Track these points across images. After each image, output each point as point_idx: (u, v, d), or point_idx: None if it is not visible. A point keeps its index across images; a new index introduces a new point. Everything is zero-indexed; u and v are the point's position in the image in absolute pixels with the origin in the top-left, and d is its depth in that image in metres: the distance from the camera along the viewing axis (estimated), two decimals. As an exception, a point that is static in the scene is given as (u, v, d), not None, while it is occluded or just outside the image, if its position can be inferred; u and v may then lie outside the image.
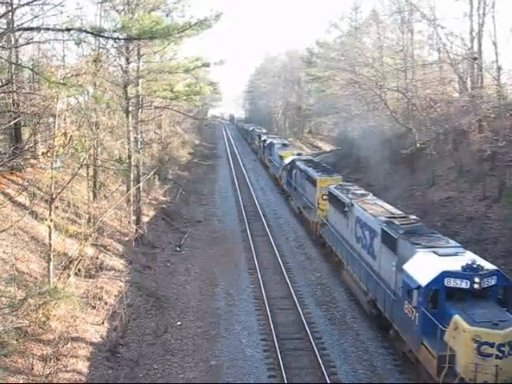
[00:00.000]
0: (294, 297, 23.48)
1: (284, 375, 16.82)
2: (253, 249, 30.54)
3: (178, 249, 30.45)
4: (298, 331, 20.48)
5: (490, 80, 35.19)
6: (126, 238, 27.58)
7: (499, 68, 31.71)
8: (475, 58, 35.09)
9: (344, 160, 58.61)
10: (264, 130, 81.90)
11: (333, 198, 27.33)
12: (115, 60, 28.36)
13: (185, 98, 30.42)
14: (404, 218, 20.90)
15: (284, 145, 55.91)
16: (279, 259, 28.67)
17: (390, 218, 20.54)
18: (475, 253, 17.20)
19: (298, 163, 39.47)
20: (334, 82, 55.51)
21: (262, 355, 18.60)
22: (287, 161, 44.03)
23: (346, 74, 47.79)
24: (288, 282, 25.35)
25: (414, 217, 21.49)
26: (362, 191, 26.33)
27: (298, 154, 46.52)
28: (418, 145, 37.00)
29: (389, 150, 44.38)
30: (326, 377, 16.70)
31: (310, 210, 33.98)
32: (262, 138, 67.90)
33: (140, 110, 30.76)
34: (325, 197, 30.18)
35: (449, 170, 37.82)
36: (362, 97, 46.46)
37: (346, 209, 24.18)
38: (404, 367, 17.48)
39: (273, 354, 18.53)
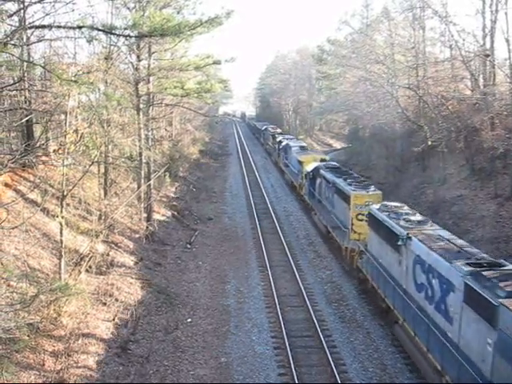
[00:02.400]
0: (305, 294, 23.46)
1: (294, 373, 16.82)
2: (263, 246, 30.53)
3: (189, 246, 30.49)
4: (308, 329, 20.46)
5: (502, 77, 34.98)
6: (137, 235, 27.68)
7: (512, 65, 31.49)
8: (487, 55, 34.84)
9: (355, 157, 58.49)
10: (279, 130, 77.01)
11: (375, 223, 21.41)
12: (126, 57, 28.41)
13: (195, 95, 30.43)
14: (496, 265, 14.11)
15: (302, 147, 50.29)
16: (290, 257, 28.64)
17: (474, 264, 13.99)
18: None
19: (323, 172, 33.30)
20: (344, 79, 55.44)
21: (272, 352, 18.61)
22: (309, 168, 37.95)
23: (356, 71, 47.72)
24: (298, 279, 25.34)
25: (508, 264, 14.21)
26: (418, 216, 19.91)
27: (322, 160, 39.76)
28: (430, 142, 36.85)
29: (400, 147, 44.27)
30: (336, 375, 16.68)
31: (340, 233, 27.69)
32: (277, 139, 62.15)
33: (151, 108, 30.81)
34: (360, 216, 25.22)
35: (460, 168, 37.60)
36: (372, 94, 46.24)
37: (398, 242, 17.92)
38: (414, 366, 17.44)
39: (283, 352, 18.52)
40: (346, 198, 27.07)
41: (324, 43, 74.80)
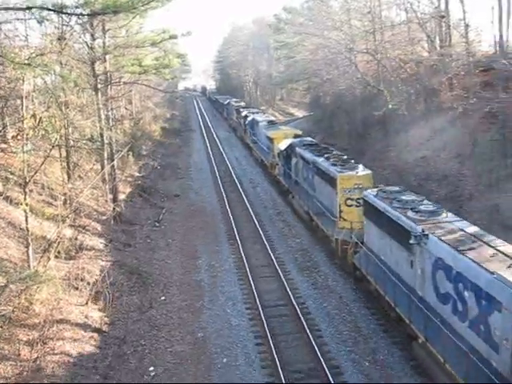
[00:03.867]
0: (276, 264, 23.68)
1: (271, 342, 17.05)
2: (232, 219, 30.61)
3: (157, 224, 30.37)
4: (281, 298, 20.69)
5: (458, 38, 35.33)
6: (104, 217, 27.42)
7: (467, 25, 31.83)
8: (443, 17, 35.12)
9: (317, 125, 58.55)
10: (243, 103, 73.95)
11: (374, 212, 18.22)
12: (80, 37, 27.76)
13: (154, 71, 30.11)
14: None
15: (271, 122, 46.03)
16: (259, 228, 28.79)
17: None
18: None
19: (299, 150, 29.78)
20: (303, 47, 55.21)
21: (247, 324, 18.80)
22: (282, 145, 34.26)
23: (314, 38, 47.57)
24: (269, 249, 25.53)
25: None
26: (427, 204, 16.54)
27: (296, 136, 35.91)
28: (390, 106, 37.12)
29: (361, 112, 44.51)
30: (312, 340, 16.97)
31: (327, 221, 24.33)
32: (242, 114, 57.84)
33: (109, 87, 30.33)
34: (350, 201, 22.30)
35: (421, 130, 38.02)
36: (331, 61, 46.27)
37: (410, 240, 14.44)
38: (387, 326, 17.85)
39: (258, 322, 18.73)
40: (330, 180, 23.62)
41: (280, 12, 74.19)
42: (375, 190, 19.26)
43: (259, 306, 19.72)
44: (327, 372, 15.24)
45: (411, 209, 15.90)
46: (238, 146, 59.28)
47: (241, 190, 37.68)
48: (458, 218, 15.57)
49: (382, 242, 17.61)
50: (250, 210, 32.40)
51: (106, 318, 18.32)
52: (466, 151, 30.56)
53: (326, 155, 26.32)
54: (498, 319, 10.92)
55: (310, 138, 34.96)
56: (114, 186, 29.56)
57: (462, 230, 14.26)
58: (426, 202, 16.92)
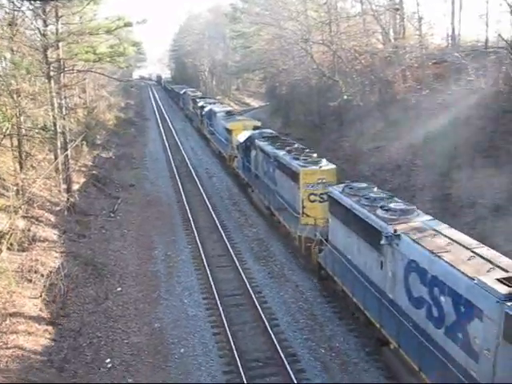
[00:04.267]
0: (232, 254, 23.76)
1: (228, 331, 17.13)
2: (188, 209, 30.50)
3: (112, 215, 30.00)
4: (238, 287, 20.80)
5: (412, 30, 35.90)
6: (58, 208, 26.92)
7: (420, 18, 32.37)
8: (397, 9, 35.62)
9: (273, 115, 58.78)
10: (199, 93, 72.32)
11: (340, 210, 17.43)
12: (32, 23, 27.08)
13: (108, 59, 29.60)
14: None
15: (229, 113, 44.26)
16: (215, 218, 28.78)
17: (509, 282, 10.20)
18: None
19: (259, 143, 28.85)
20: (259, 37, 55.21)
21: (204, 314, 18.82)
22: (241, 137, 33.08)
23: (271, 28, 47.65)
24: (225, 239, 25.57)
25: None
26: (398, 202, 15.71)
27: (256, 128, 35.10)
28: (346, 96, 37.50)
29: (317, 103, 44.85)
30: (269, 328, 17.13)
31: (289, 217, 23.64)
32: (199, 104, 56.10)
33: (62, 75, 29.67)
34: (313, 197, 21.86)
35: (376, 121, 38.59)
36: (287, 51, 46.49)
37: (381, 240, 13.85)
38: (343, 314, 18.15)
39: (215, 312, 18.78)
40: (293, 175, 22.95)
41: (237, 1, 73.74)
42: (341, 185, 18.49)
43: (216, 295, 19.76)
44: (284, 360, 15.42)
45: (381, 207, 15.16)
46: (194, 136, 58.97)
47: (197, 180, 37.58)
48: (430, 218, 14.81)
49: (349, 240, 16.85)
50: (207, 200, 32.35)
51: (60, 311, 18.04)
52: (418, 142, 31.19)
53: (287, 148, 25.66)
54: (479, 328, 10.32)
55: (269, 130, 33.97)
56: (68, 176, 29.02)
57: (436, 230, 13.57)
58: (395, 199, 16.16)
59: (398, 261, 13.54)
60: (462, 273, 11.04)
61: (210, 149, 49.59)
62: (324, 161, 23.03)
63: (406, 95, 32.13)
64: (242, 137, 32.95)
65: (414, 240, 13.06)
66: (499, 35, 24.99)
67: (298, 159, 23.26)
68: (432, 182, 26.72)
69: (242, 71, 75.13)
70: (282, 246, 24.82)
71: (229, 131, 38.05)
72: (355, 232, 16.25)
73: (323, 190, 21.22)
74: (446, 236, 13.06)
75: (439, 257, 11.92)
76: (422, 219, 14.52)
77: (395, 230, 13.59)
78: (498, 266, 11.09)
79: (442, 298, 11.62)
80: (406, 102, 32.32)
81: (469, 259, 11.63)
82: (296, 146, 26.93)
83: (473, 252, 11.91)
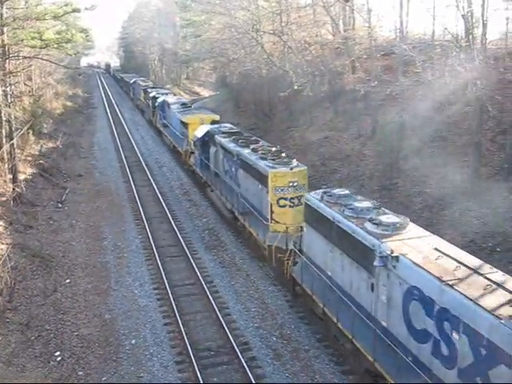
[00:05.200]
0: (183, 243, 23.66)
1: (179, 321, 17.09)
2: (138, 199, 30.19)
3: (60, 205, 29.39)
4: (189, 277, 20.73)
5: (361, 22, 36.38)
6: (3, 198, 26.18)
7: (370, 10, 32.82)
8: (347, 1, 36.03)
9: (223, 105, 58.66)
10: (151, 83, 68.83)
11: (318, 219, 15.46)
12: (-26, 7, 26.16)
13: (55, 46, 28.84)
14: None
15: (184, 105, 41.47)
16: (165, 208, 28.59)
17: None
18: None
19: (220, 139, 26.54)
20: (210, 26, 54.85)
21: (155, 304, 18.70)
22: (198, 133, 30.35)
23: (221, 17, 47.40)
24: (176, 229, 25.46)
25: None
26: (388, 215, 13.77)
27: (214, 122, 32.91)
28: (296, 87, 37.76)
29: (267, 92, 45.00)
30: (221, 318, 17.19)
31: (256, 222, 21.40)
32: (151, 95, 52.72)
33: (7, 61, 28.75)
34: (283, 201, 19.70)
35: (325, 111, 39.09)
36: (238, 41, 46.36)
37: (374, 262, 11.94)
38: (293, 302, 18.36)
39: (166, 302, 18.68)
40: (260, 176, 20.68)
41: (187, -11, 73.13)
42: (318, 192, 16.54)
43: (167, 285, 19.65)
44: (236, 349, 15.50)
45: (369, 220, 13.21)
46: (145, 127, 58.00)
47: (147, 170, 37.17)
48: (428, 233, 12.97)
49: (330, 255, 14.83)
50: (157, 189, 32.07)
51: (7, 304, 17.60)
52: (367, 132, 31.76)
53: (252, 146, 23.37)
54: (505, 374, 8.68)
55: (229, 125, 31.47)
56: (14, 165, 28.23)
57: (438, 249, 11.70)
58: (383, 210, 14.36)
59: (394, 285, 11.72)
60: (484, 309, 9.28)
61: (161, 140, 48.81)
62: (294, 161, 20.73)
63: (355, 86, 32.59)
64: (199, 132, 30.32)
65: (415, 263, 11.18)
66: (445, 29, 25.59)
67: (265, 159, 21.05)
68: (380, 172, 27.28)
69: (192, 60, 74.56)
70: (232, 235, 24.84)
71: (185, 125, 35.46)
72: (338, 247, 14.27)
73: (294, 193, 19.65)
74: (449, 256, 11.29)
75: (451, 286, 10.12)
76: (418, 235, 12.74)
77: (392, 251, 11.71)
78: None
79: (455, 336, 9.90)
80: (355, 93, 32.82)
81: (485, 289, 9.91)
82: (261, 143, 24.79)
83: (488, 280, 10.19)
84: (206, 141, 29.04)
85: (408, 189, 24.62)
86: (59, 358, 15.54)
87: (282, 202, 19.77)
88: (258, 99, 46.90)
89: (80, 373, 14.94)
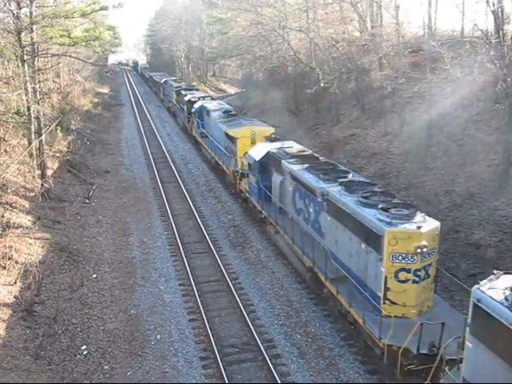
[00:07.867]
0: (209, 240, 23.75)
1: (204, 317, 17.17)
2: (164, 196, 30.37)
3: (87, 201, 29.73)
4: (214, 274, 20.83)
5: (388, 19, 36.05)
6: (32, 194, 26.61)
7: (397, 7, 32.47)
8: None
9: (249, 102, 58.64)
10: (183, 84, 61.44)
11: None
12: (5, 5, 26.54)
13: (83, 43, 29.14)
14: None
15: (228, 112, 34.84)
16: (191, 204, 28.72)
17: None
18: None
19: (290, 166, 20.26)
20: (236, 23, 54.95)
21: (181, 300, 18.83)
22: (255, 153, 24.03)
23: (248, 14, 47.46)
24: (201, 226, 25.55)
25: None
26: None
27: (274, 139, 26.55)
28: (322, 84, 37.62)
29: (293, 90, 44.91)
30: (245, 314, 17.23)
31: (357, 298, 14.94)
32: (186, 98, 45.63)
33: (36, 59, 29.16)
34: (404, 275, 13.64)
35: (352, 108, 38.88)
36: (265, 38, 46.35)
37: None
38: (318, 300, 18.31)
39: (192, 298, 18.79)
40: (366, 234, 14.51)
41: (214, -14, 73.36)
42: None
43: (192, 282, 19.76)
44: (260, 346, 15.52)
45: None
46: (171, 122, 58.20)
47: (173, 166, 37.33)
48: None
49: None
50: (183, 186, 32.21)
51: (35, 298, 17.87)
52: (394, 130, 31.47)
53: (341, 181, 17.30)
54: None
55: (293, 143, 24.68)
56: (42, 161, 28.64)
57: None
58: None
59: None
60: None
61: (186, 135, 48.66)
62: (419, 214, 14.36)
63: (382, 83, 32.29)
64: (256, 152, 24.18)
65: None
66: (475, 25, 25.20)
67: (372, 206, 14.80)
68: (407, 170, 27.01)
69: (218, 57, 74.74)
70: (257, 232, 24.86)
71: (232, 139, 29.39)
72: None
73: (421, 263, 13.66)
74: None
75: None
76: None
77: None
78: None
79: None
80: (382, 90, 32.52)
81: None
82: (351, 175, 18.47)
83: None
84: (267, 165, 23.21)
85: (435, 187, 24.32)
86: (85, 352, 15.75)
87: (402, 276, 13.73)
88: (284, 96, 46.84)
89: (106, 367, 15.11)
